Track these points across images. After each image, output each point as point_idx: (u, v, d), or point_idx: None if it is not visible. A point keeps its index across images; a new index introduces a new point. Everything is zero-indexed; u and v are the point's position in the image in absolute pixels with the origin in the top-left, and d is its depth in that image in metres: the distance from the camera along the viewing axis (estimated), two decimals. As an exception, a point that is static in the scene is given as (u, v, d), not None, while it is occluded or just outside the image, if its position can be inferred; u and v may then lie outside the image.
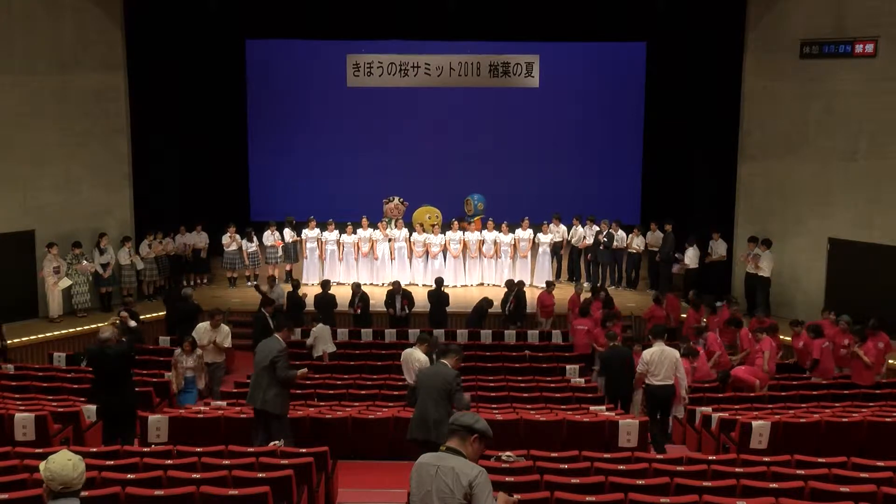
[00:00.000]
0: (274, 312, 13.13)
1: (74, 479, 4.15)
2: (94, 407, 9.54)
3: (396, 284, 14.82)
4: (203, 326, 11.62)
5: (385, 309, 14.68)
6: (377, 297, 15.36)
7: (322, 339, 12.63)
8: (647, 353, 9.47)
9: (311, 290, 15.49)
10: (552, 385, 11.30)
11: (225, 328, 11.65)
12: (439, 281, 14.99)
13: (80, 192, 15.62)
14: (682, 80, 17.55)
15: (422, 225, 17.28)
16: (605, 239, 16.61)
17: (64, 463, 4.16)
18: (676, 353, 9.54)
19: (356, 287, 14.81)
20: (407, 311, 14.54)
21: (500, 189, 19.10)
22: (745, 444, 8.77)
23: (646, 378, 9.45)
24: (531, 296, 15.30)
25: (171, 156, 17.64)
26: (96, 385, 9.29)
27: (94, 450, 7.68)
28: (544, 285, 15.34)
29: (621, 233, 16.75)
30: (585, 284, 16.51)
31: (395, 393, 10.55)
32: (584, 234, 17.03)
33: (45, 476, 4.14)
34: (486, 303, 14.45)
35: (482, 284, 16.97)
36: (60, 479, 4.13)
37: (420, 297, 15.21)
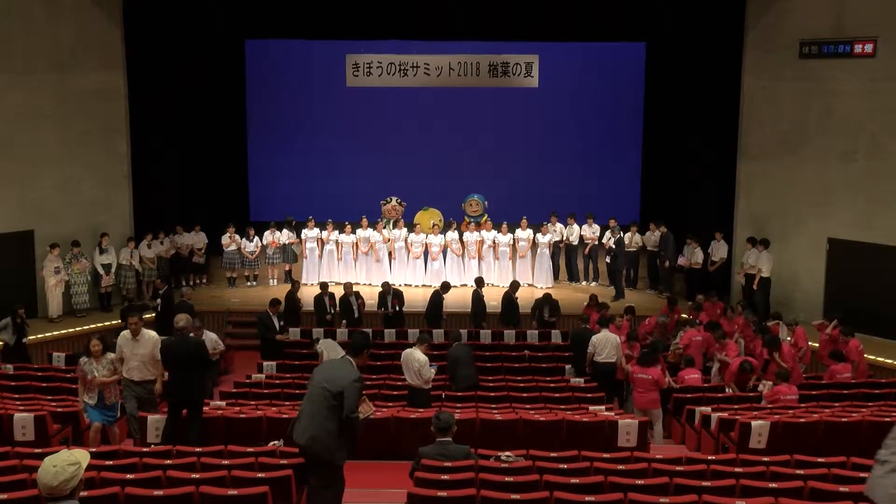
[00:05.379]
0: (279, 313, 13.12)
1: (56, 487, 3.92)
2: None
3: (386, 285, 14.82)
4: (125, 336, 9.04)
5: (377, 309, 14.65)
6: (376, 297, 15.36)
7: (329, 351, 12.34)
8: (595, 338, 11.45)
9: (310, 290, 15.46)
10: (552, 385, 11.30)
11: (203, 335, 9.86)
12: (479, 281, 14.90)
13: (80, 192, 15.61)
14: (681, 80, 17.55)
15: (430, 222, 17.22)
16: (616, 245, 16.11)
17: (47, 469, 3.94)
18: (616, 338, 11.55)
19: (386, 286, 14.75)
20: (397, 310, 14.50)
21: (500, 189, 19.04)
22: (744, 443, 8.78)
23: (594, 357, 11.48)
24: (528, 294, 15.24)
25: (171, 156, 17.65)
26: (172, 379, 8.63)
27: (94, 449, 7.67)
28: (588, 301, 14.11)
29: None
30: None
31: (395, 393, 10.55)
32: (582, 234, 16.97)
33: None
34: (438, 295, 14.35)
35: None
36: (42, 484, 3.95)
37: (419, 297, 15.18)
